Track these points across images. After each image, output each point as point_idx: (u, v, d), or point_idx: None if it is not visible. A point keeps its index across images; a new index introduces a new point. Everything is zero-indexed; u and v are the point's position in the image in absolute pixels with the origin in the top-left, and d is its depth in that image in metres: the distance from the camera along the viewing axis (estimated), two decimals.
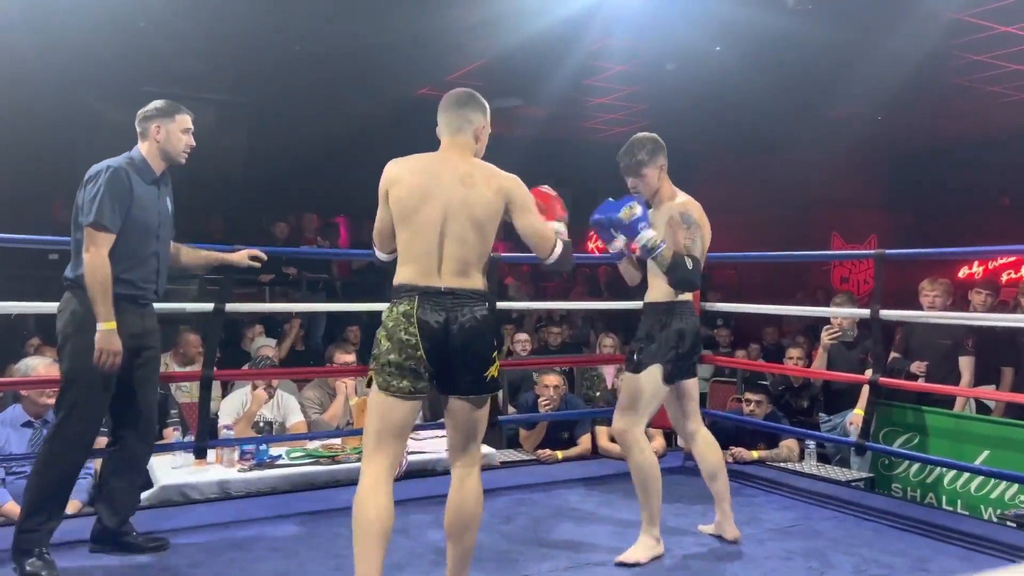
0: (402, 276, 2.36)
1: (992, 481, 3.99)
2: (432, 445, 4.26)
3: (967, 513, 3.95)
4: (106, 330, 2.67)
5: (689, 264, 2.79)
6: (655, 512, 2.94)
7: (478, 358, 2.33)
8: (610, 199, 2.86)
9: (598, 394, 6.04)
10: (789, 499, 3.74)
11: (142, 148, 2.92)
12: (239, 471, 3.69)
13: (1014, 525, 3.47)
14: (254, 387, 4.44)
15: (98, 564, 2.81)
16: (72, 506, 3.70)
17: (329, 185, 8.70)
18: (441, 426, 4.47)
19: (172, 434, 4.18)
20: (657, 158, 3.03)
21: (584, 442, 4.56)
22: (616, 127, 9.63)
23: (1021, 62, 7.18)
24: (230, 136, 8.65)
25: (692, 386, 3.15)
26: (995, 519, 3.86)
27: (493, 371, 2.38)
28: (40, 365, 3.86)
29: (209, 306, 3.50)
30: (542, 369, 4.94)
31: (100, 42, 6.11)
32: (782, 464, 4.34)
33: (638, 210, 2.77)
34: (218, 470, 3.71)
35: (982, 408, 4.84)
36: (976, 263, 11.25)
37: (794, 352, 5.38)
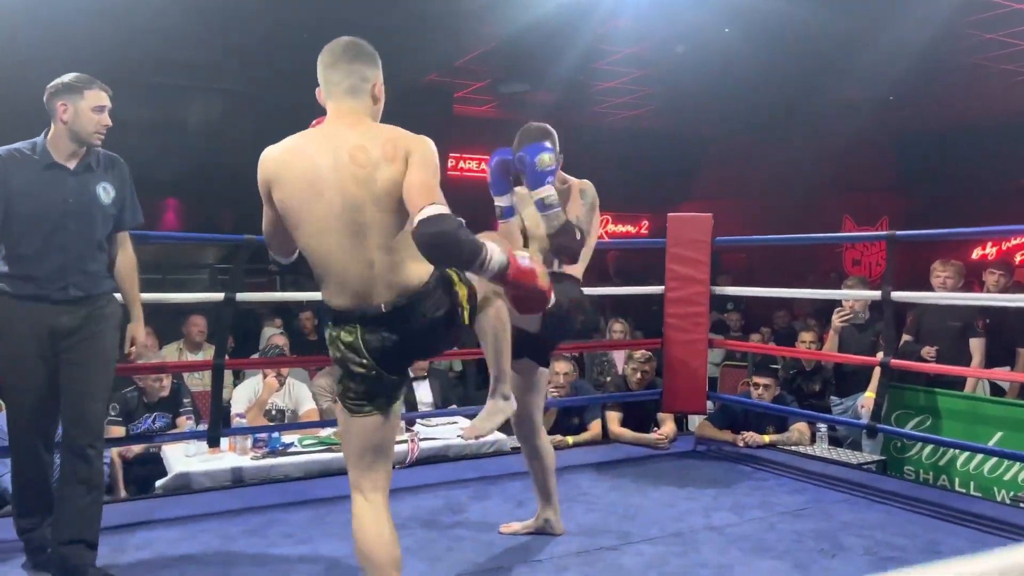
0: (329, 297, 2.02)
1: (1005, 463, 3.97)
2: (442, 432, 4.29)
3: (980, 495, 3.94)
4: None
5: (577, 235, 2.72)
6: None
7: (442, 343, 2.23)
8: (537, 143, 2.69)
9: (608, 379, 6.04)
10: (800, 482, 3.74)
11: (51, 131, 2.62)
12: (252, 459, 3.73)
13: None
14: (265, 375, 4.47)
15: (107, 555, 2.84)
16: None
17: None
18: (451, 412, 4.51)
19: (185, 423, 4.22)
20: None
21: (594, 427, 4.56)
22: (625, 111, 9.57)
23: None
24: (239, 126, 8.65)
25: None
26: (1008, 501, 3.85)
27: (465, 316, 2.10)
28: None
29: (220, 295, 3.52)
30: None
31: (107, 33, 6.11)
32: (793, 448, 4.34)
33: (552, 164, 2.68)
34: (231, 458, 3.74)
35: (996, 390, 4.81)
36: (989, 244, 11.16)
37: (806, 336, 5.37)
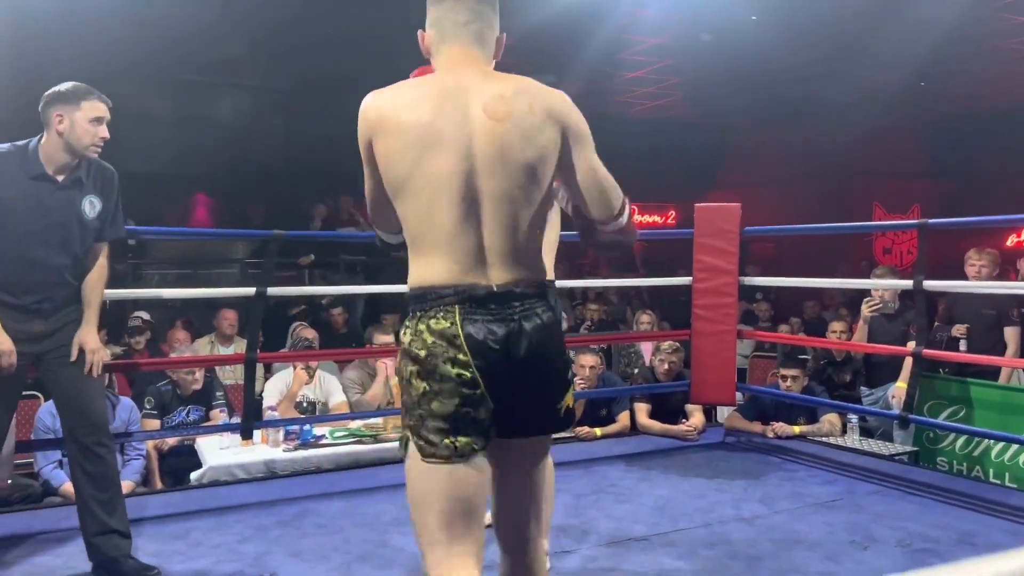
0: (424, 275, 1.55)
1: None
2: None
3: (1015, 487, 3.88)
4: None
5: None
6: None
7: (553, 382, 1.59)
8: None
9: (636, 371, 6.04)
10: (832, 473, 3.72)
11: (44, 139, 2.52)
12: (284, 451, 3.78)
13: None
14: (295, 368, 4.52)
15: (144, 545, 2.90)
16: (125, 486, 3.83)
17: None
18: None
19: (219, 415, 4.28)
20: None
21: (623, 419, 4.56)
22: (650, 101, 9.52)
23: None
24: (268, 122, 8.75)
25: None
26: None
27: (569, 399, 1.62)
28: None
29: (251, 290, 3.57)
30: (578, 349, 4.94)
31: (138, 32, 6.19)
32: (824, 439, 4.31)
33: None
34: (264, 450, 3.80)
35: None
36: (1022, 232, 10.96)
37: (837, 326, 5.31)
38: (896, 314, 4.86)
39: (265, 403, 4.26)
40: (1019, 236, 11.03)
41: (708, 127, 10.77)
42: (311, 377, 4.48)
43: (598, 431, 4.45)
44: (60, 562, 2.74)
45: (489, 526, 1.62)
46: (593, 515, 3.17)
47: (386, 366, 4.65)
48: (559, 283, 7.78)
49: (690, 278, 4.35)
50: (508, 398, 1.52)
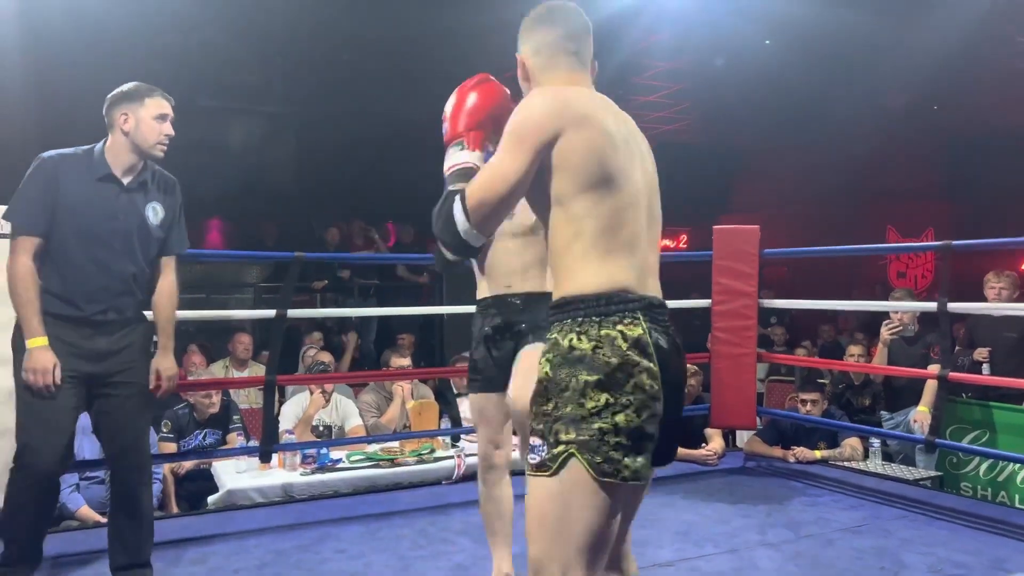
0: (609, 278, 1.47)
1: None
2: None
3: None
4: (33, 347, 2.31)
5: None
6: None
7: (682, 405, 1.60)
8: None
9: None
10: (856, 498, 3.67)
11: (109, 140, 2.48)
12: (301, 474, 3.75)
13: None
14: (311, 391, 4.50)
15: (164, 570, 2.87)
16: None
17: (379, 190, 8.81)
18: None
19: (236, 439, 4.26)
20: None
21: None
22: (663, 125, 9.56)
23: None
24: (282, 146, 8.81)
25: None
26: None
27: None
28: None
29: (271, 312, 3.56)
30: None
31: (155, 59, 6.27)
32: (846, 463, 4.26)
33: None
34: (281, 474, 3.77)
35: None
36: None
37: (855, 349, 5.27)
38: (915, 337, 4.82)
39: (282, 426, 4.24)
40: None
41: (721, 151, 10.79)
42: (327, 401, 4.46)
43: None
44: None
45: None
46: None
47: (402, 389, 4.63)
48: None
49: (708, 301, 4.32)
50: (665, 417, 1.46)
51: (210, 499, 3.73)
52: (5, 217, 2.44)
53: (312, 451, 3.86)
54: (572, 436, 1.40)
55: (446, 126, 1.66)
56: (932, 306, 3.74)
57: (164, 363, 2.58)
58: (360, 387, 5.09)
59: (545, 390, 1.44)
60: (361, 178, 8.71)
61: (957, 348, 4.68)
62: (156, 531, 3.00)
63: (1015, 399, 4.41)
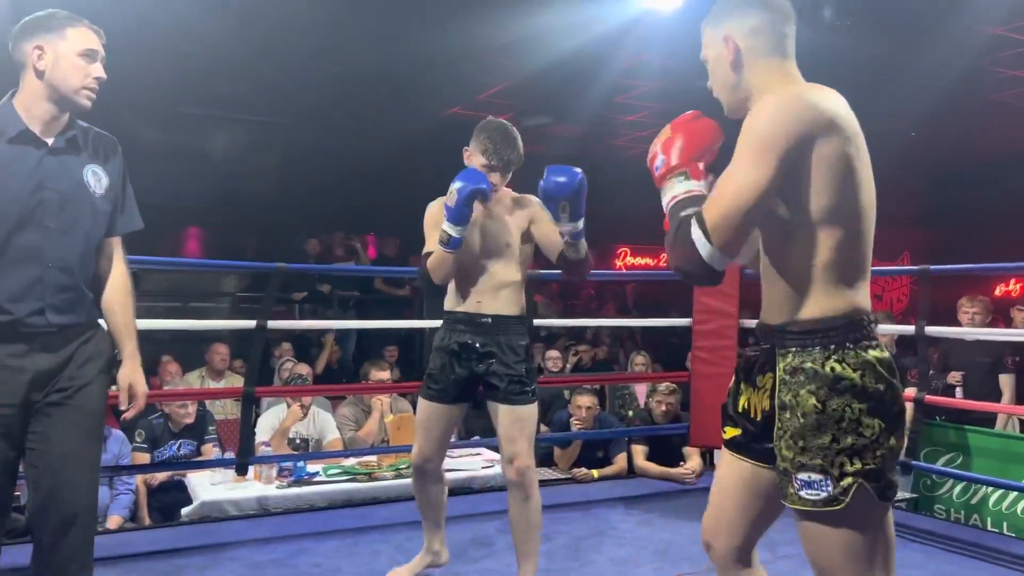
0: (855, 301, 1.46)
1: None
2: (466, 463, 4.26)
3: (1014, 535, 3.86)
4: None
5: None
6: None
7: None
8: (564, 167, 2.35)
9: (631, 413, 6.01)
10: None
11: (20, 88, 1.89)
12: (277, 487, 3.71)
13: None
14: (289, 404, 4.46)
15: None
16: (113, 521, 3.75)
17: (361, 203, 8.79)
18: (474, 444, 4.49)
19: (211, 450, 4.21)
20: None
21: (620, 461, 4.52)
22: (647, 144, 9.61)
23: None
24: (264, 156, 8.77)
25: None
26: None
27: None
28: None
29: (251, 323, 3.53)
30: (574, 389, 4.93)
31: (139, 65, 6.23)
32: None
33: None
34: (257, 487, 3.73)
35: None
36: (1013, 280, 11.07)
37: None
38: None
39: (258, 438, 4.20)
40: (1007, 286, 11.14)
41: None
42: (305, 414, 4.42)
43: (595, 473, 4.41)
44: None
45: None
46: (595, 558, 3.11)
47: (381, 402, 4.60)
48: (559, 322, 7.61)
49: (688, 320, 4.35)
50: None
51: (184, 511, 3.68)
52: None
53: (289, 464, 3.82)
54: (859, 467, 1.40)
55: (660, 160, 1.52)
56: (910, 329, 3.79)
57: (136, 376, 2.01)
58: (338, 400, 5.06)
59: (817, 423, 1.41)
60: (343, 190, 8.69)
61: (931, 372, 4.74)
62: (128, 543, 2.97)
63: (988, 422, 4.47)
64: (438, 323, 2.69)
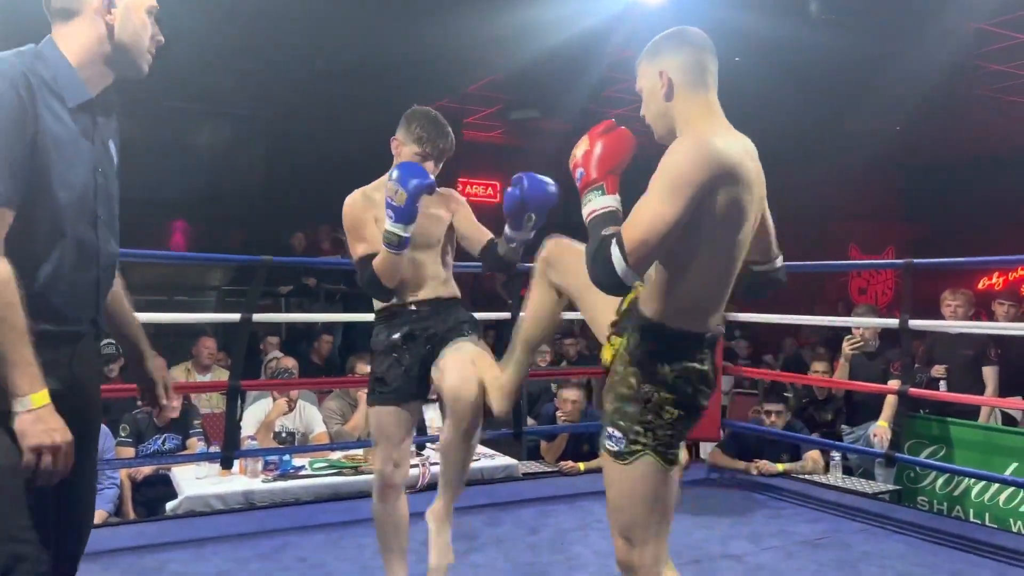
0: (684, 321, 1.71)
1: (1022, 493, 3.94)
2: None
3: (995, 526, 3.90)
4: (36, 409, 1.35)
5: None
6: None
7: None
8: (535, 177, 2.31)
9: None
10: (817, 511, 3.71)
11: (67, 40, 1.52)
12: (263, 481, 3.70)
13: None
14: (274, 398, 4.45)
15: None
16: (97, 515, 3.72)
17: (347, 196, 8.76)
18: None
19: (196, 444, 4.19)
20: None
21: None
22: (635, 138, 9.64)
23: None
24: (249, 149, 8.72)
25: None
26: None
27: None
28: None
29: (236, 316, 3.51)
30: (561, 383, 4.93)
31: None
32: (807, 476, 4.31)
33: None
34: (242, 480, 3.71)
35: (1008, 419, 4.78)
36: (996, 274, 11.17)
37: (818, 366, 5.33)
38: (876, 353, 4.90)
39: (244, 432, 4.18)
40: (990, 280, 11.24)
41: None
42: (291, 407, 4.40)
43: (582, 466, 4.41)
44: None
45: None
46: (579, 551, 3.12)
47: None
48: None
49: None
50: None
51: (168, 505, 3.65)
52: None
53: (274, 458, 3.81)
54: (647, 440, 1.71)
55: (580, 171, 1.69)
56: (894, 322, 3.81)
57: (166, 371, 1.88)
58: (325, 394, 5.04)
59: (631, 396, 1.72)
60: (329, 183, 8.65)
61: (915, 365, 4.77)
62: (112, 537, 2.96)
63: (971, 415, 4.51)
64: None
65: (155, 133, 7.45)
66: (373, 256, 2.33)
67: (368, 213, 2.39)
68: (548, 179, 2.33)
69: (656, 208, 1.56)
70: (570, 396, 4.63)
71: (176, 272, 8.67)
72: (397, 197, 2.23)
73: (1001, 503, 4.06)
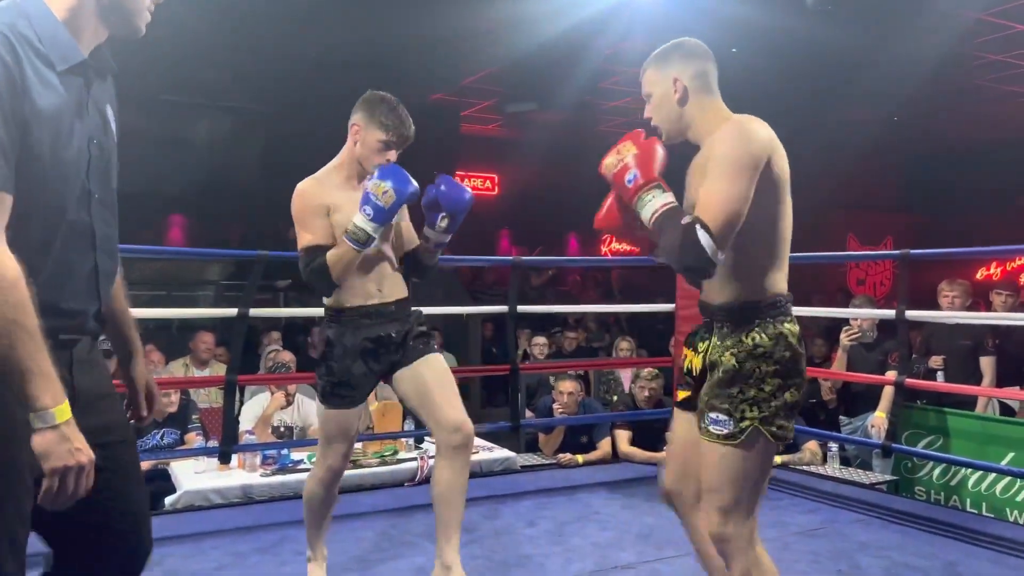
0: (778, 284, 1.84)
1: (1018, 483, 3.95)
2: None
3: (992, 516, 3.91)
4: (60, 425, 1.18)
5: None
6: None
7: None
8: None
9: (615, 398, 6.03)
10: (814, 502, 3.72)
11: None
12: (261, 475, 3.70)
13: None
14: (272, 392, 4.45)
15: None
16: None
17: None
18: None
19: (195, 439, 4.20)
20: None
21: (604, 446, 4.54)
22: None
23: None
24: (247, 143, 8.70)
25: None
26: (1021, 522, 3.83)
27: None
28: None
29: (233, 311, 3.51)
30: (558, 375, 4.94)
31: (119, 51, 6.17)
32: (805, 467, 4.32)
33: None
34: (241, 475, 3.72)
35: (1005, 410, 4.80)
36: (994, 264, 11.18)
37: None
38: (874, 343, 4.91)
39: (242, 427, 4.19)
40: (988, 270, 11.24)
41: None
42: (289, 402, 4.41)
43: (580, 458, 4.43)
44: None
45: None
46: (578, 543, 3.13)
47: None
48: (543, 308, 7.60)
49: (672, 305, 4.36)
50: None
51: (167, 500, 3.66)
52: None
53: (273, 452, 3.81)
54: (754, 413, 1.79)
55: (633, 173, 1.81)
56: (891, 313, 3.81)
57: (151, 376, 1.72)
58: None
59: (731, 378, 1.80)
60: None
61: (913, 355, 4.78)
62: None
63: (968, 405, 4.52)
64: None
65: (152, 127, 7.43)
66: (320, 248, 2.28)
67: (319, 202, 2.33)
68: (467, 188, 2.42)
69: (727, 190, 1.71)
70: (567, 388, 4.63)
71: (175, 267, 8.66)
72: (384, 197, 2.19)
73: (998, 493, 4.07)
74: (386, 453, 3.96)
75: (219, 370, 5.28)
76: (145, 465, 4.09)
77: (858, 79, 7.24)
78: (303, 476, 3.74)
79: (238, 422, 4.28)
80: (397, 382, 2.45)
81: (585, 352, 7.35)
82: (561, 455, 4.47)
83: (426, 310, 3.13)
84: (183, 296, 8.35)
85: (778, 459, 4.31)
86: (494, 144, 9.81)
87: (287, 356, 5.39)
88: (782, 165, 1.81)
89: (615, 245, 12.23)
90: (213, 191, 8.44)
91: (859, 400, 4.95)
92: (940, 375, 4.64)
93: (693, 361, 1.94)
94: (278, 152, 8.68)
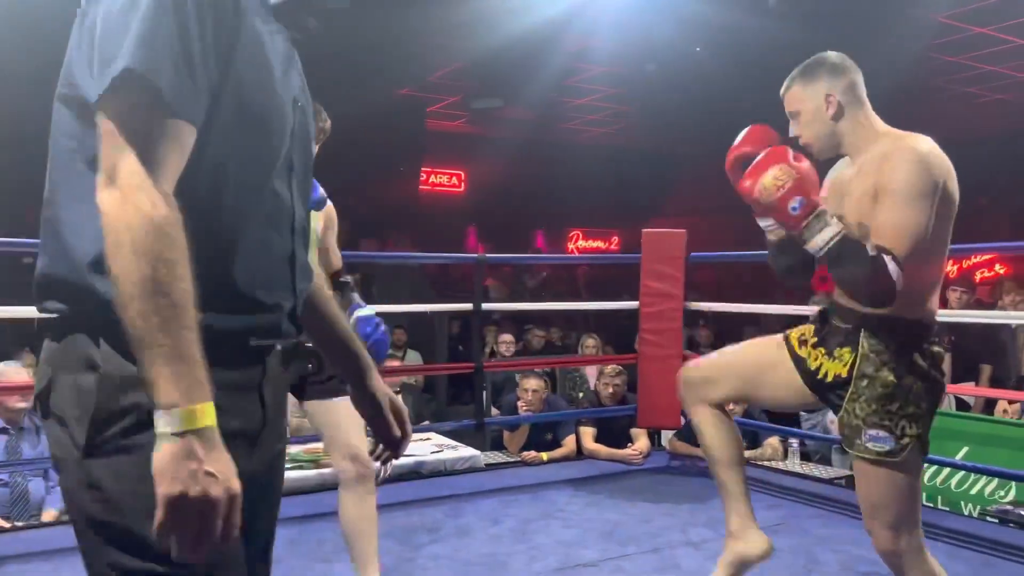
0: (930, 307, 1.90)
1: (972, 477, 4.03)
2: (415, 448, 4.25)
3: (947, 509, 3.99)
4: (188, 433, 0.81)
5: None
6: None
7: None
8: None
9: (581, 395, 6.05)
10: (775, 498, 3.76)
11: None
12: None
13: (996, 521, 3.51)
14: None
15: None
16: (48, 515, 3.66)
17: (338, 188, 8.67)
18: (423, 428, 4.47)
19: None
20: None
21: (568, 443, 4.55)
22: (597, 127, 9.65)
23: (996, 63, 7.28)
24: None
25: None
26: (975, 515, 3.90)
27: None
28: (9, 370, 3.78)
29: None
30: (523, 373, 4.94)
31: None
32: (766, 463, 4.37)
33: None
34: None
35: (961, 404, 4.89)
36: (950, 262, 11.39)
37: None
38: None
39: None
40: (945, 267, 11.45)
41: (654, 155, 10.95)
42: None
43: (544, 455, 4.43)
44: None
45: None
46: (542, 540, 3.13)
47: None
48: (510, 306, 7.58)
49: (636, 303, 4.38)
50: None
51: None
52: (128, 65, 0.89)
53: None
54: (915, 431, 1.84)
55: (799, 200, 1.80)
56: None
57: (392, 392, 1.49)
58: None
59: (891, 394, 1.86)
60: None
61: None
62: (65, 537, 2.87)
63: None
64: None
65: None
66: None
67: None
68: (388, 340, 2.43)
69: (914, 218, 1.77)
70: (531, 385, 4.63)
71: None
72: None
73: (953, 487, 4.15)
74: None
75: None
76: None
77: None
78: (294, 474, 3.70)
79: None
80: (315, 405, 2.50)
81: (554, 350, 7.36)
82: (525, 453, 4.47)
83: (392, 308, 3.10)
84: None
85: None
86: (461, 140, 9.78)
87: None
88: (953, 186, 1.85)
89: (582, 243, 12.28)
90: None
91: None
92: None
93: (826, 366, 1.96)
94: None
